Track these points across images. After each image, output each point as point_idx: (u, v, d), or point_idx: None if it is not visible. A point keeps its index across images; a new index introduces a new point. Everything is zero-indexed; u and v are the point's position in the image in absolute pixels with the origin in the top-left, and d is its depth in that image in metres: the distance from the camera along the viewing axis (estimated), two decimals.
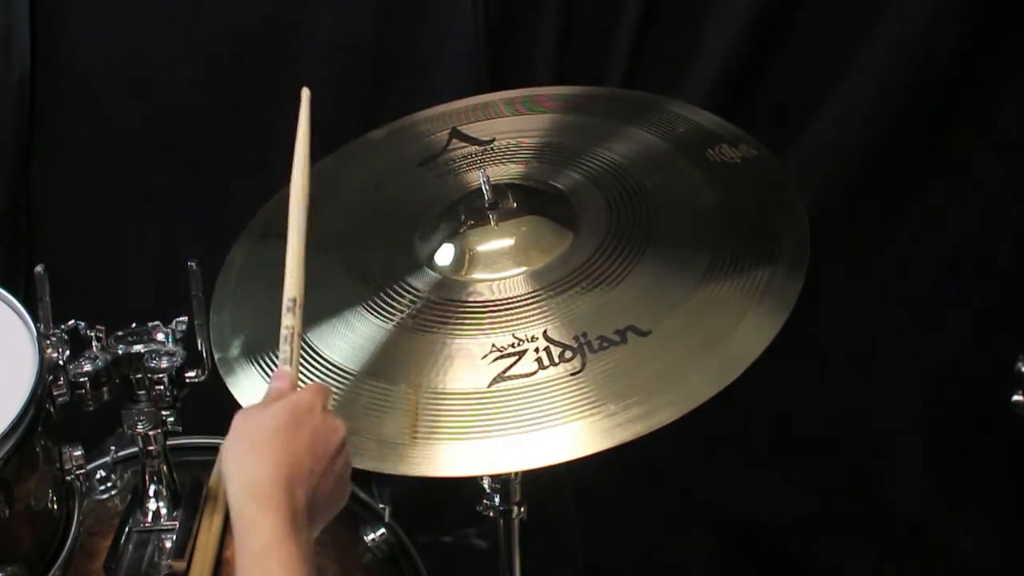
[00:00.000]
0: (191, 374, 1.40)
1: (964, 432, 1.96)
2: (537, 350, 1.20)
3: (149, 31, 2.00)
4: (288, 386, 1.08)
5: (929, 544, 2.03)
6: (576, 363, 1.18)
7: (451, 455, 1.15)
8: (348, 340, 1.28)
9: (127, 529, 1.44)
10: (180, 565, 1.37)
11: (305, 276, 1.16)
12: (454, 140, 1.55)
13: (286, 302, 1.14)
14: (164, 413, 1.41)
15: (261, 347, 1.30)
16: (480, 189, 1.36)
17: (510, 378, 1.18)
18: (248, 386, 1.28)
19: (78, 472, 1.39)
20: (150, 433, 1.42)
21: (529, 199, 1.39)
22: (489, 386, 1.18)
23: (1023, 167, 1.85)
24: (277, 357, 1.11)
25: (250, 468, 0.98)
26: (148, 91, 2.04)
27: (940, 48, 1.80)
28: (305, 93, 1.32)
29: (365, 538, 1.59)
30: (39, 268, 1.41)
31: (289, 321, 1.13)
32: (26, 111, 2.01)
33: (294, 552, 0.93)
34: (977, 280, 1.92)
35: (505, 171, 1.47)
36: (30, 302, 1.40)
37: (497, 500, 1.44)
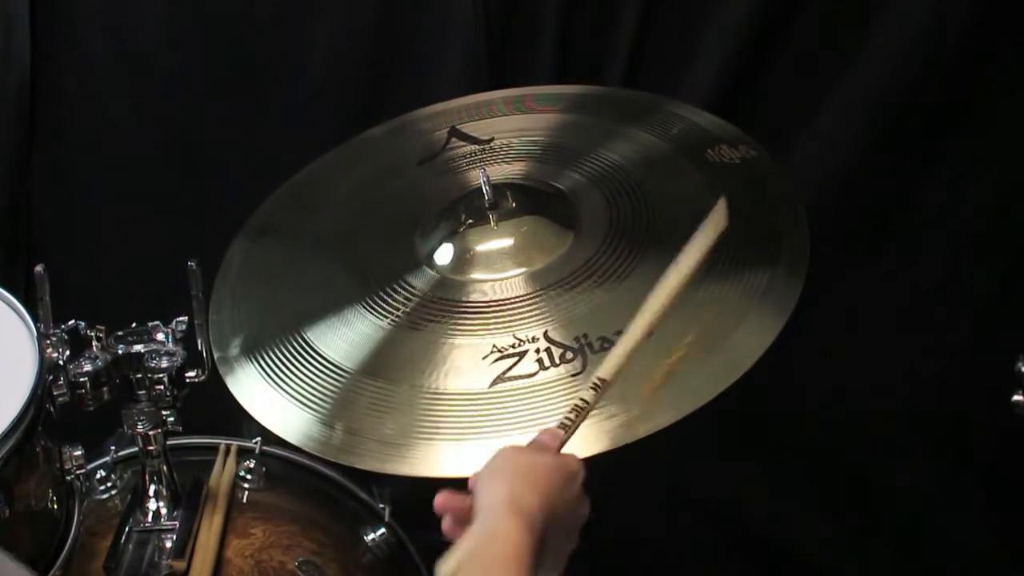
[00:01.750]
0: (191, 374, 1.40)
1: (964, 432, 1.95)
2: (538, 351, 1.20)
3: (149, 31, 2.00)
4: (555, 446, 1.06)
5: (929, 543, 2.03)
6: (577, 364, 1.18)
7: (451, 455, 1.15)
8: (347, 339, 1.28)
9: (127, 529, 1.44)
10: (180, 565, 1.37)
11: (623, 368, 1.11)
12: (453, 139, 1.55)
13: (594, 379, 1.10)
14: (164, 413, 1.41)
15: (260, 346, 1.30)
16: (480, 188, 1.36)
17: (511, 379, 1.18)
18: (247, 385, 1.28)
19: (78, 472, 1.39)
20: (150, 433, 1.42)
21: (529, 199, 1.39)
22: (490, 387, 1.18)
23: (1023, 167, 1.85)
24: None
25: (520, 489, 0.97)
26: (148, 91, 2.04)
27: (940, 48, 1.80)
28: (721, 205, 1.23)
29: (365, 538, 1.59)
30: (39, 268, 1.41)
31: (587, 396, 1.09)
32: (26, 111, 2.01)
33: (528, 564, 0.93)
34: (977, 280, 1.92)
35: (505, 171, 1.47)
36: (30, 302, 1.40)
37: None
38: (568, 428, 1.07)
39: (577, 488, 1.03)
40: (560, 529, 1.01)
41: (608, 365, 1.11)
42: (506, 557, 0.92)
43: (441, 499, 1.02)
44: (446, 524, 1.02)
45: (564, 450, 1.06)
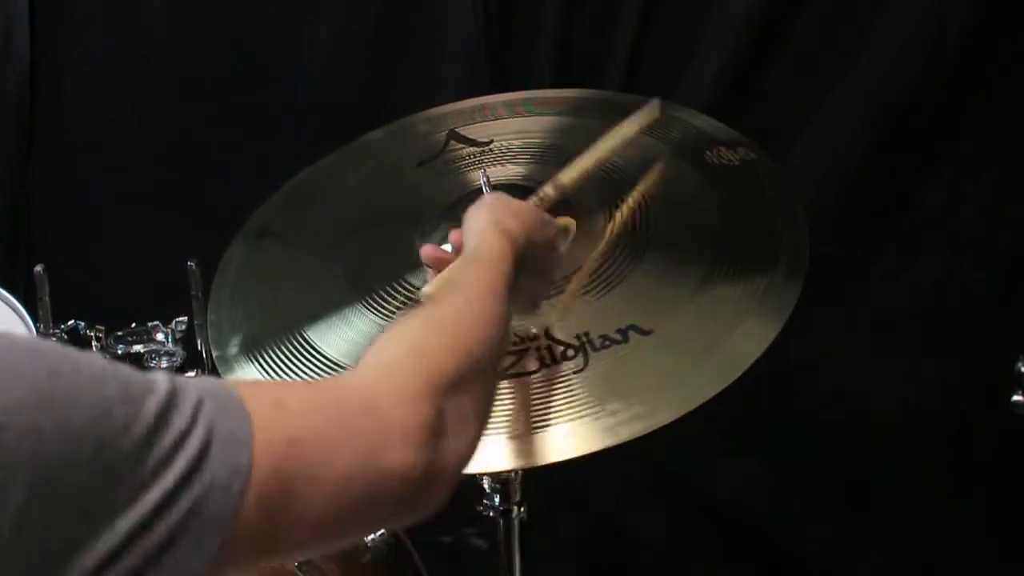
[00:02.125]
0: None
1: (964, 432, 1.95)
2: (539, 348, 1.20)
3: (149, 31, 2.01)
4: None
5: (929, 544, 2.03)
6: (578, 361, 1.18)
7: None
8: (348, 339, 1.28)
9: None
10: None
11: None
12: (452, 141, 1.55)
13: (554, 181, 1.27)
14: None
15: (260, 345, 1.30)
16: (480, 189, 1.36)
17: (512, 376, 1.18)
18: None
19: None
20: None
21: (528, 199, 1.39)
22: None
23: (1023, 167, 1.85)
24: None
25: (503, 216, 1.09)
26: (148, 91, 2.04)
27: (940, 48, 1.80)
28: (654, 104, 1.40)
29: (365, 538, 1.59)
30: (39, 268, 1.41)
31: (548, 189, 1.26)
32: (26, 111, 2.01)
33: (508, 272, 1.02)
34: (977, 280, 1.92)
35: (504, 172, 1.47)
36: (30, 302, 1.41)
37: (497, 500, 1.44)
38: (544, 197, 1.24)
39: (552, 233, 1.17)
40: (536, 265, 1.11)
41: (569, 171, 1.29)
42: (480, 279, 0.99)
43: (428, 250, 1.14)
44: (430, 275, 1.12)
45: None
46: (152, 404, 0.68)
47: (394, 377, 0.83)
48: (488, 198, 1.14)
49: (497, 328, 0.95)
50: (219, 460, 0.69)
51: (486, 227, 1.06)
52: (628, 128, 1.36)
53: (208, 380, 0.74)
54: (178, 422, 0.69)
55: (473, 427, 0.88)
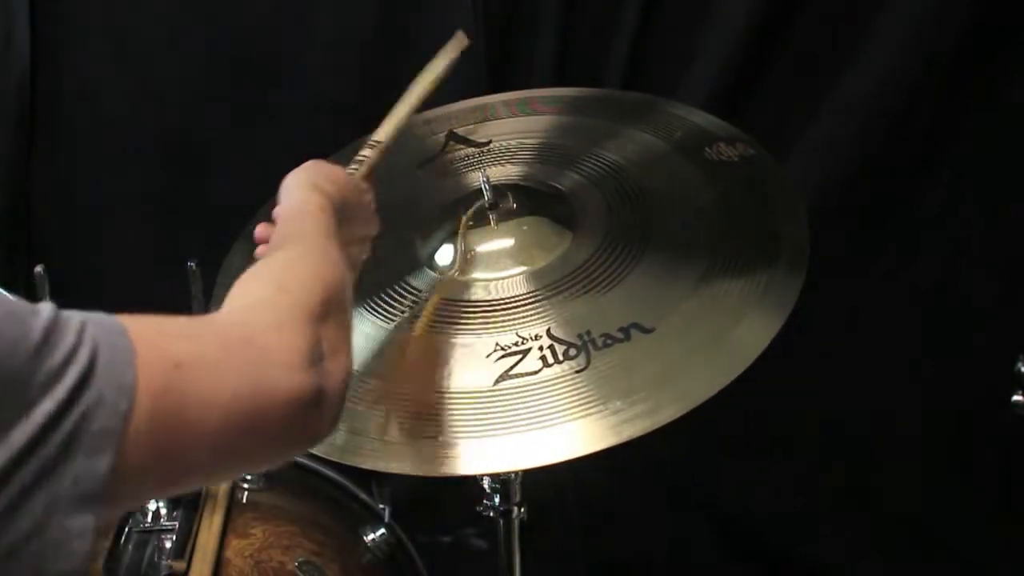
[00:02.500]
0: None
1: (964, 432, 1.96)
2: (541, 348, 1.20)
3: (149, 31, 2.00)
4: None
5: (929, 544, 2.03)
6: (581, 360, 1.18)
7: (458, 454, 1.15)
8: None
9: (127, 529, 1.44)
10: (180, 566, 1.37)
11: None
12: (451, 143, 1.55)
13: (371, 141, 1.32)
14: None
15: None
16: (480, 190, 1.36)
17: (514, 376, 1.18)
18: None
19: None
20: None
21: (529, 199, 1.39)
22: (494, 384, 1.18)
23: (1023, 167, 1.85)
24: None
25: (317, 177, 1.14)
26: (148, 91, 2.04)
27: (940, 48, 1.80)
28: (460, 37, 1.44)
29: (365, 538, 1.59)
30: (39, 268, 1.41)
31: (366, 152, 1.31)
32: (26, 111, 2.01)
33: (332, 223, 1.07)
34: (977, 280, 1.92)
35: (504, 172, 1.47)
36: (30, 302, 1.40)
37: (497, 500, 1.44)
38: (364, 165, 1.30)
39: (367, 200, 1.24)
40: (352, 227, 1.16)
41: (385, 129, 1.34)
42: (311, 227, 1.05)
43: (260, 229, 1.16)
44: (260, 250, 1.13)
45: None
46: (39, 323, 0.71)
47: (268, 310, 0.88)
48: (302, 168, 1.17)
49: (337, 266, 1.00)
50: (105, 377, 0.72)
51: (303, 185, 1.12)
52: (437, 66, 1.40)
53: (92, 312, 0.77)
54: (65, 341, 0.72)
55: (344, 353, 0.92)
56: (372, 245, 1.27)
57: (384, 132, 1.34)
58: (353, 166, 1.29)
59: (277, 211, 1.11)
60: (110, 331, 0.75)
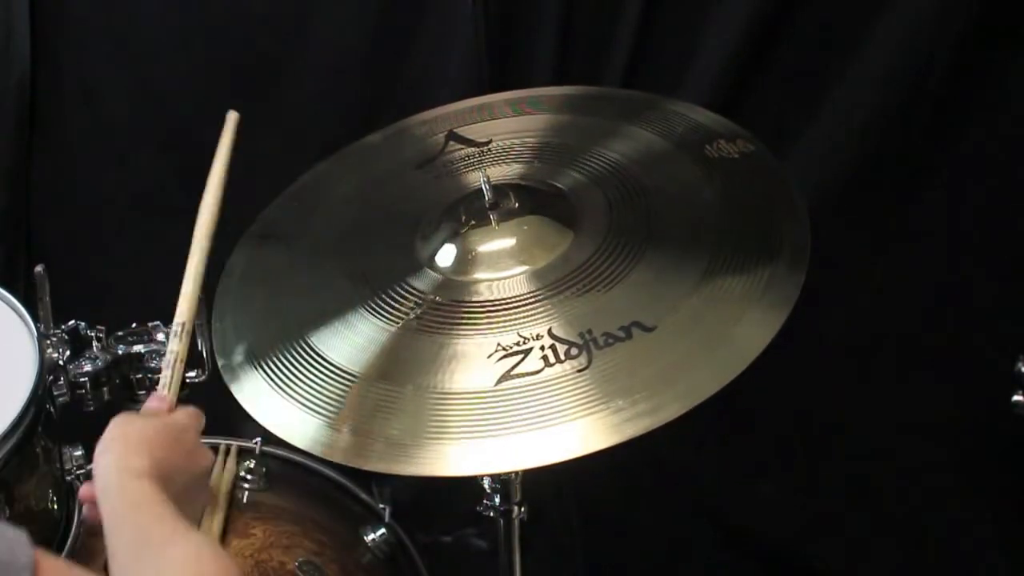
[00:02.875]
0: (191, 374, 1.40)
1: (965, 432, 1.96)
2: (543, 348, 1.20)
3: (149, 32, 2.00)
4: (164, 408, 1.17)
5: (929, 544, 2.03)
6: (582, 360, 1.18)
7: (460, 455, 1.15)
8: (350, 342, 1.28)
9: None
10: None
11: (198, 303, 1.26)
12: (451, 143, 1.55)
13: (174, 327, 1.22)
14: None
15: (264, 352, 1.30)
16: (480, 190, 1.36)
17: (516, 376, 1.18)
18: (252, 391, 1.27)
19: (78, 472, 1.39)
20: None
21: (529, 199, 1.39)
22: (496, 384, 1.18)
23: (1023, 167, 1.85)
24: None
25: (128, 458, 1.04)
26: (148, 91, 2.04)
27: (940, 48, 1.80)
28: (232, 117, 1.39)
29: (365, 538, 1.60)
30: (39, 268, 1.41)
31: (175, 347, 1.22)
32: (26, 111, 2.01)
33: (161, 505, 1.01)
34: (977, 279, 1.92)
35: (504, 172, 1.47)
36: (30, 302, 1.40)
37: (497, 500, 1.44)
38: (169, 386, 1.19)
39: (190, 442, 1.13)
40: (183, 483, 1.08)
41: (184, 308, 1.24)
42: (116, 510, 1.00)
43: (84, 489, 1.10)
44: (87, 510, 1.09)
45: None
46: None
47: None
48: (108, 435, 1.07)
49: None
50: None
51: (117, 468, 1.03)
52: (221, 155, 1.39)
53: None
54: None
55: None
56: (371, 245, 1.26)
57: (181, 312, 1.24)
58: (165, 377, 1.20)
59: (97, 490, 1.04)
60: None
